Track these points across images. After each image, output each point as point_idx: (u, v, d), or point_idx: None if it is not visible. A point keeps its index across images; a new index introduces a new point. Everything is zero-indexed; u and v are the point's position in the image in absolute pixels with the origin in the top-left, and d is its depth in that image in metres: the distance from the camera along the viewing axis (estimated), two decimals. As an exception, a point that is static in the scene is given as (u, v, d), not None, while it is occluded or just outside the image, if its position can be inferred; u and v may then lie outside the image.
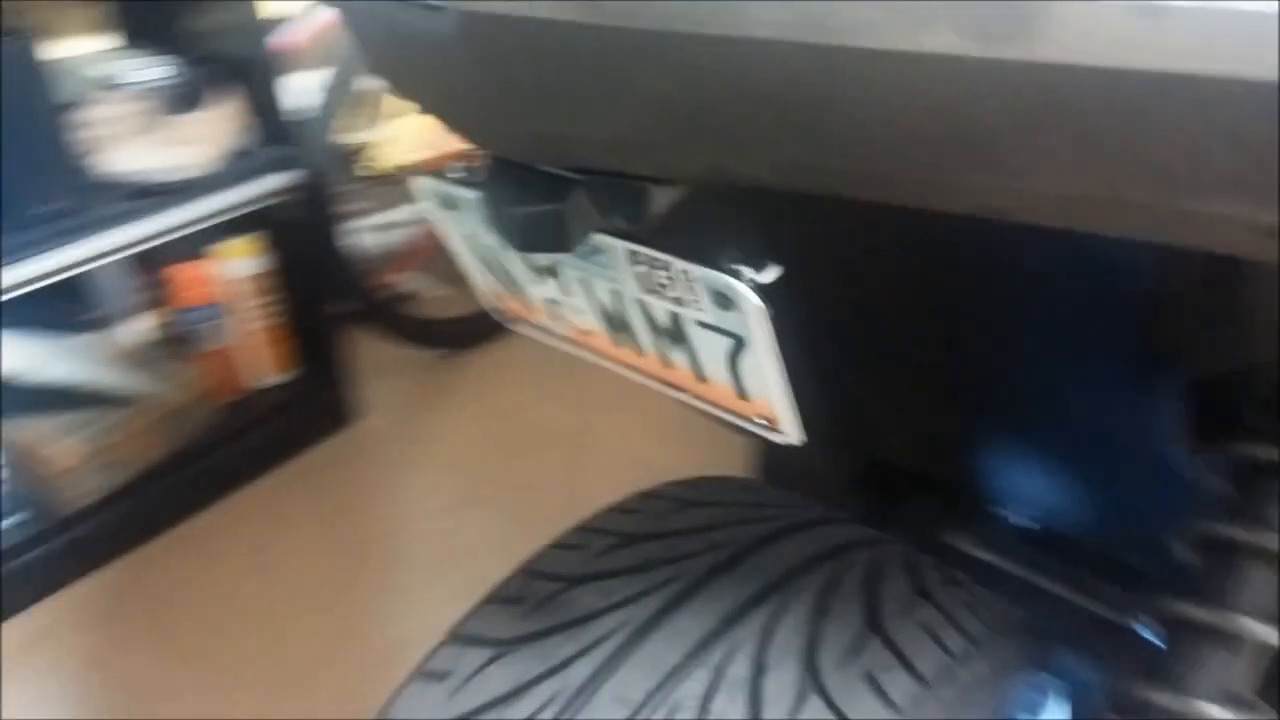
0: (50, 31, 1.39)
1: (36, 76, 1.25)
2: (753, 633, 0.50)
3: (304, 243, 1.58)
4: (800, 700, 0.47)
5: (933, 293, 0.58)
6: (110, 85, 1.43)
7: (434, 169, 0.44)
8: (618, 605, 0.53)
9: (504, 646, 0.52)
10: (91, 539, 1.37)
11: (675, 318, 0.34)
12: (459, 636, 0.54)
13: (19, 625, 1.29)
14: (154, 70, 1.45)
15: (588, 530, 0.60)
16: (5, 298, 1.23)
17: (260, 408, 1.59)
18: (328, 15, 1.73)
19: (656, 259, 0.33)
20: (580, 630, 0.52)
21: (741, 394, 0.36)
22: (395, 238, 2.07)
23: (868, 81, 0.25)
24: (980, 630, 0.52)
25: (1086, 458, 0.62)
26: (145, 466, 1.42)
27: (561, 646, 0.51)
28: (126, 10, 1.55)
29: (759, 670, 0.48)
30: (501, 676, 0.50)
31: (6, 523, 1.32)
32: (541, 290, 0.40)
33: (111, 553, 1.39)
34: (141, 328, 1.56)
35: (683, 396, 0.39)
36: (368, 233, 1.98)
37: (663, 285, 0.34)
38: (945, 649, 0.50)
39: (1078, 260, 0.49)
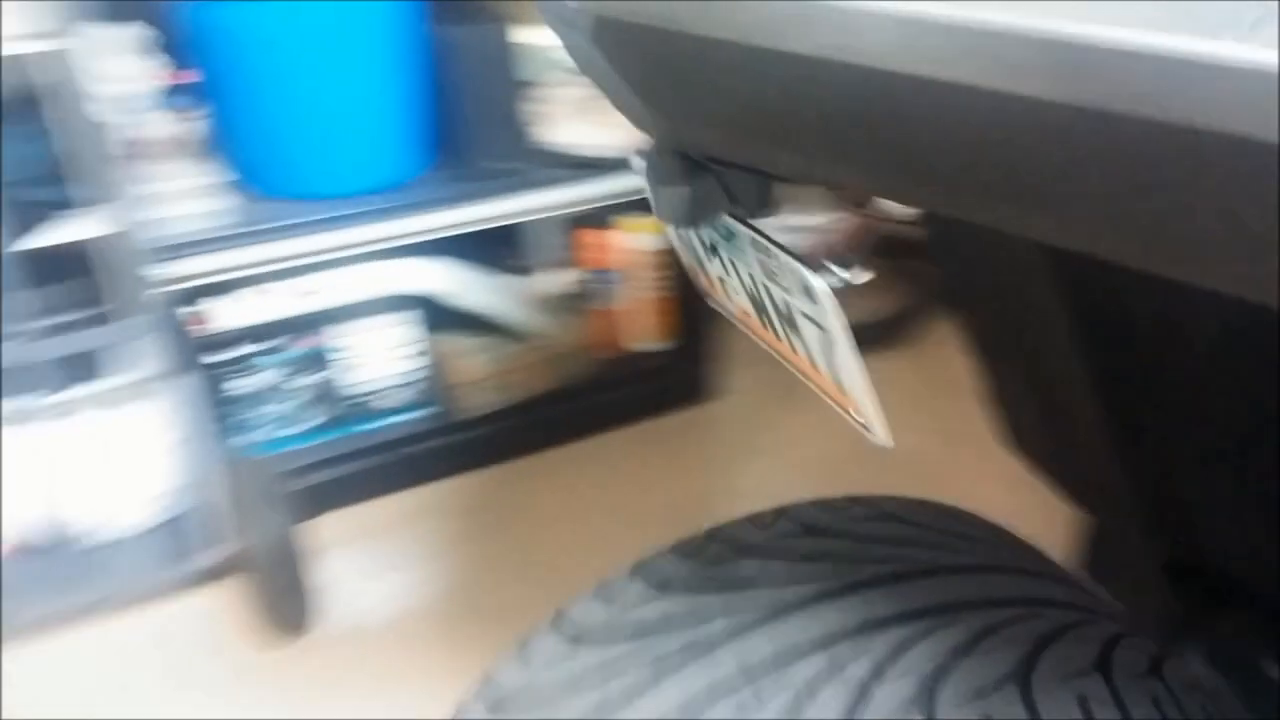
0: (520, 20, 1.64)
1: (505, 56, 1.50)
2: (888, 645, 0.51)
3: (699, 227, 1.71)
4: (903, 713, 0.47)
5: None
6: (560, 70, 1.67)
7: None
8: (772, 584, 0.56)
9: (667, 589, 0.57)
10: (475, 443, 1.63)
11: (788, 305, 0.37)
12: (636, 570, 0.60)
13: (403, 498, 1.58)
14: (605, 59, 1.66)
15: (783, 514, 0.63)
16: (455, 233, 1.50)
17: (633, 368, 1.76)
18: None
19: (767, 246, 0.36)
20: (733, 595, 0.56)
21: (839, 388, 0.37)
22: (802, 239, 2.15)
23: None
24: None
25: None
26: (528, 395, 1.65)
27: (711, 603, 0.55)
28: None
29: (876, 676, 0.49)
30: (655, 614, 0.56)
31: (419, 414, 1.61)
32: (713, 268, 0.44)
33: (487, 458, 1.64)
34: (554, 280, 1.80)
35: (811, 385, 0.41)
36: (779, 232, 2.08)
37: (774, 272, 0.37)
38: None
39: None
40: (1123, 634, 0.56)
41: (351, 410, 1.57)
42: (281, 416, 1.53)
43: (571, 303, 1.77)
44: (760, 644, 0.52)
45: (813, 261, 0.34)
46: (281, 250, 1.38)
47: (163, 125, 1.40)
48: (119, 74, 1.30)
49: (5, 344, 1.21)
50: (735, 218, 0.38)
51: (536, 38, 1.73)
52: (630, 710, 0.50)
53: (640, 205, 1.71)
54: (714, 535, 0.62)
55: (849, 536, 0.60)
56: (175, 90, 1.40)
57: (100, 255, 1.29)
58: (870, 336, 1.92)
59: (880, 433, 0.38)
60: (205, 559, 1.35)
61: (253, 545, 1.27)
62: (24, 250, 1.33)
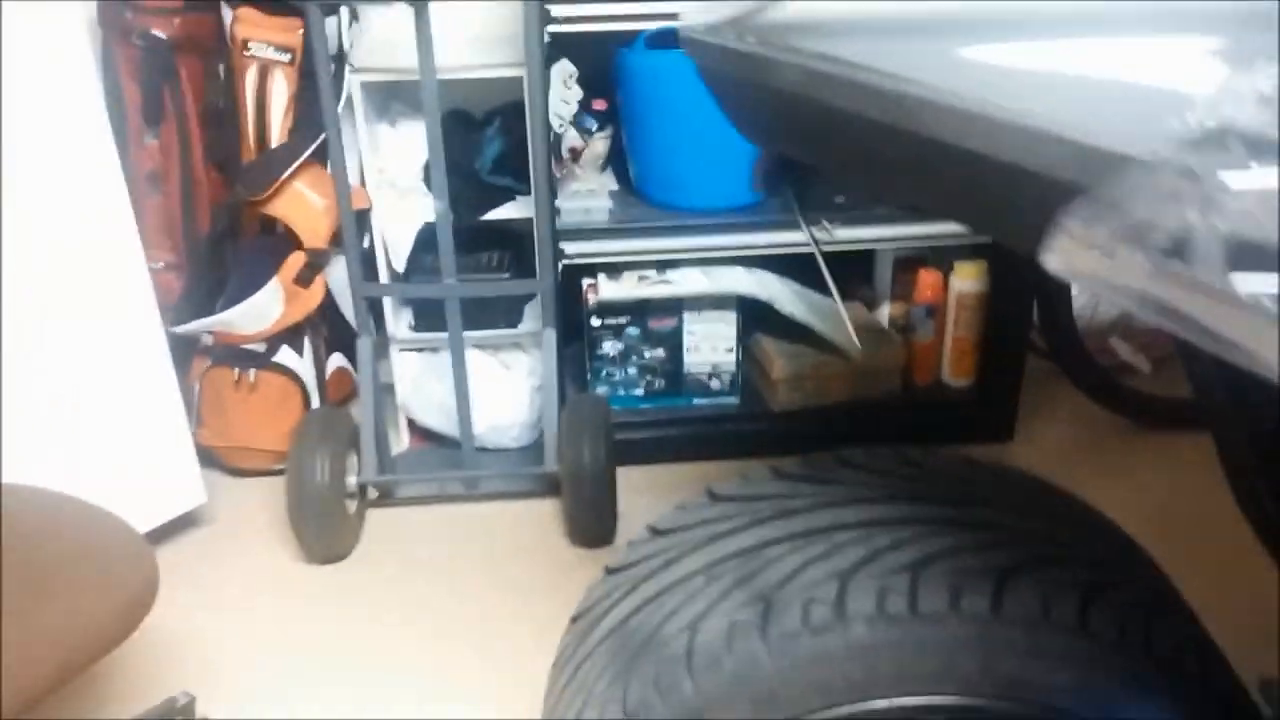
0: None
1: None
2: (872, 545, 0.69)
3: (1022, 279, 1.82)
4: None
5: None
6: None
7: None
8: (786, 495, 0.75)
9: (720, 501, 0.79)
10: (774, 433, 1.87)
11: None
12: (709, 492, 0.81)
13: (705, 467, 1.86)
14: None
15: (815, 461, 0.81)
16: (799, 252, 1.76)
17: (936, 397, 1.90)
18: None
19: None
20: (757, 501, 0.76)
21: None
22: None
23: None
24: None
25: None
26: (824, 403, 1.86)
27: (741, 508, 0.76)
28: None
29: (868, 560, 0.67)
30: (711, 512, 0.78)
31: (732, 399, 1.89)
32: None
33: (782, 448, 1.85)
34: (885, 309, 1.99)
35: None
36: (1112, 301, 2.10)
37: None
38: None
39: None
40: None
41: (679, 385, 1.88)
42: (628, 379, 1.88)
43: (891, 330, 1.95)
44: (767, 531, 0.72)
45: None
46: (654, 245, 1.73)
47: (579, 140, 1.81)
48: (557, 97, 1.72)
49: (451, 283, 1.66)
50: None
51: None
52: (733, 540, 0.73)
53: (972, 248, 1.86)
54: (771, 468, 0.81)
55: (877, 472, 0.77)
56: (589, 113, 1.80)
57: (531, 230, 1.72)
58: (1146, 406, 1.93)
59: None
60: (545, 474, 1.73)
61: (580, 467, 1.61)
62: (485, 220, 1.80)
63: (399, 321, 1.90)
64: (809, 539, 0.70)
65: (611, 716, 0.69)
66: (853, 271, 2.02)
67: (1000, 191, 0.41)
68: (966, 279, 1.86)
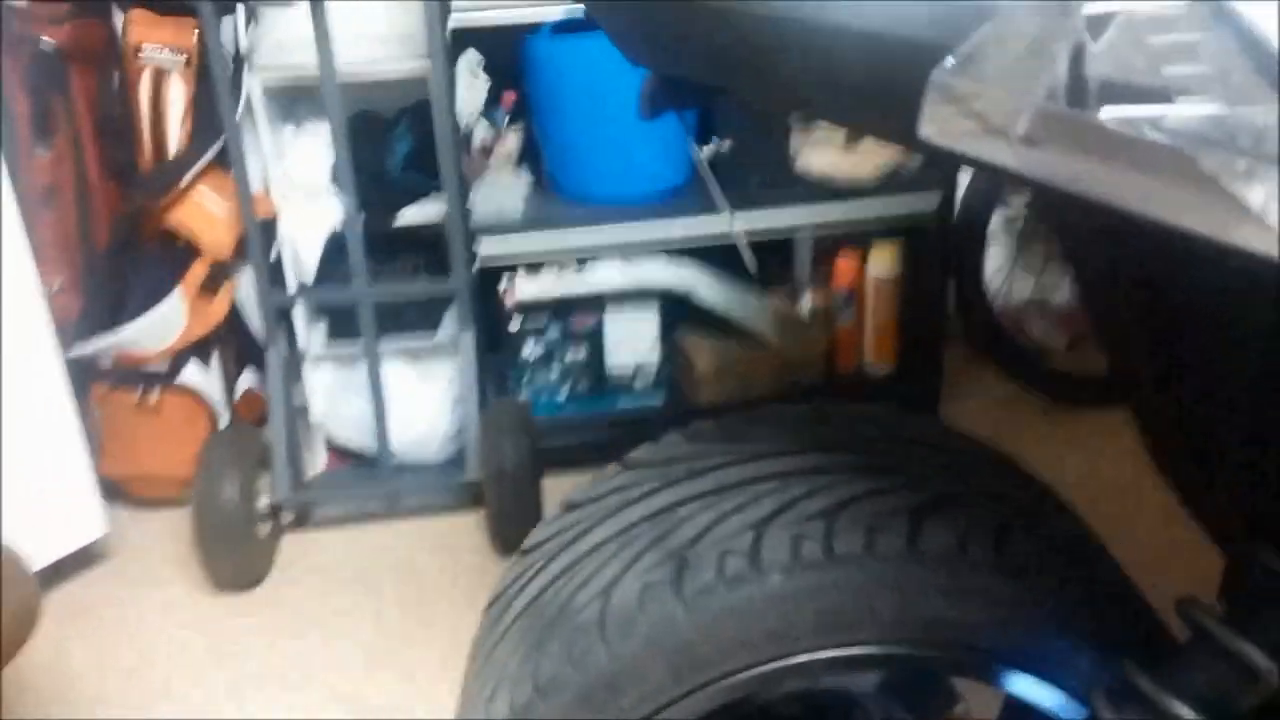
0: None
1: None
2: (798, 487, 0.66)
3: (938, 261, 1.83)
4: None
5: None
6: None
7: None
8: (698, 455, 0.73)
9: (632, 468, 0.76)
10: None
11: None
12: (621, 461, 0.79)
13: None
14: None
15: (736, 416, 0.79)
16: (718, 242, 1.75)
17: (856, 384, 1.90)
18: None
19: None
20: (669, 464, 0.74)
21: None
22: (1061, 296, 2.17)
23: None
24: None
25: None
26: (749, 395, 1.85)
27: (653, 473, 0.73)
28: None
29: (782, 510, 0.65)
30: (623, 479, 0.75)
31: (656, 400, 1.87)
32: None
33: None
34: (798, 296, 1.99)
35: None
36: (1030, 282, 2.13)
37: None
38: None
39: None
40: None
41: (602, 386, 1.86)
42: (550, 383, 1.85)
43: (813, 318, 1.95)
44: (683, 490, 0.70)
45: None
46: (572, 239, 1.71)
47: (490, 134, 1.78)
48: (465, 88, 1.69)
49: (363, 287, 1.61)
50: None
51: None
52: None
53: (887, 232, 1.87)
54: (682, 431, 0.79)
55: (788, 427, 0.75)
56: (498, 106, 1.77)
57: (443, 230, 1.67)
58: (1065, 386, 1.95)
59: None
60: (467, 484, 1.68)
61: (501, 472, 1.57)
62: (399, 227, 1.76)
63: (312, 335, 1.84)
64: (722, 495, 0.67)
65: (522, 694, 0.65)
66: (772, 261, 2.02)
67: (870, 70, 0.39)
68: (883, 262, 1.87)
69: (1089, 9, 0.32)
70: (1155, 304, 0.59)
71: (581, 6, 1.62)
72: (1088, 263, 0.63)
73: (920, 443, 0.73)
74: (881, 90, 0.39)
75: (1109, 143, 0.31)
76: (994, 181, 1.86)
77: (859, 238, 1.89)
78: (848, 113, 0.47)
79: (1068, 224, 0.61)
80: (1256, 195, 0.30)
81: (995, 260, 2.03)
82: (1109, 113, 0.30)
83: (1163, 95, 0.31)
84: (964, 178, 1.85)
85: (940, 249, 1.82)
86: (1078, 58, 0.32)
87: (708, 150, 1.76)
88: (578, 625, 0.64)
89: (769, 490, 0.66)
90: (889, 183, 1.78)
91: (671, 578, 0.63)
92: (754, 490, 0.67)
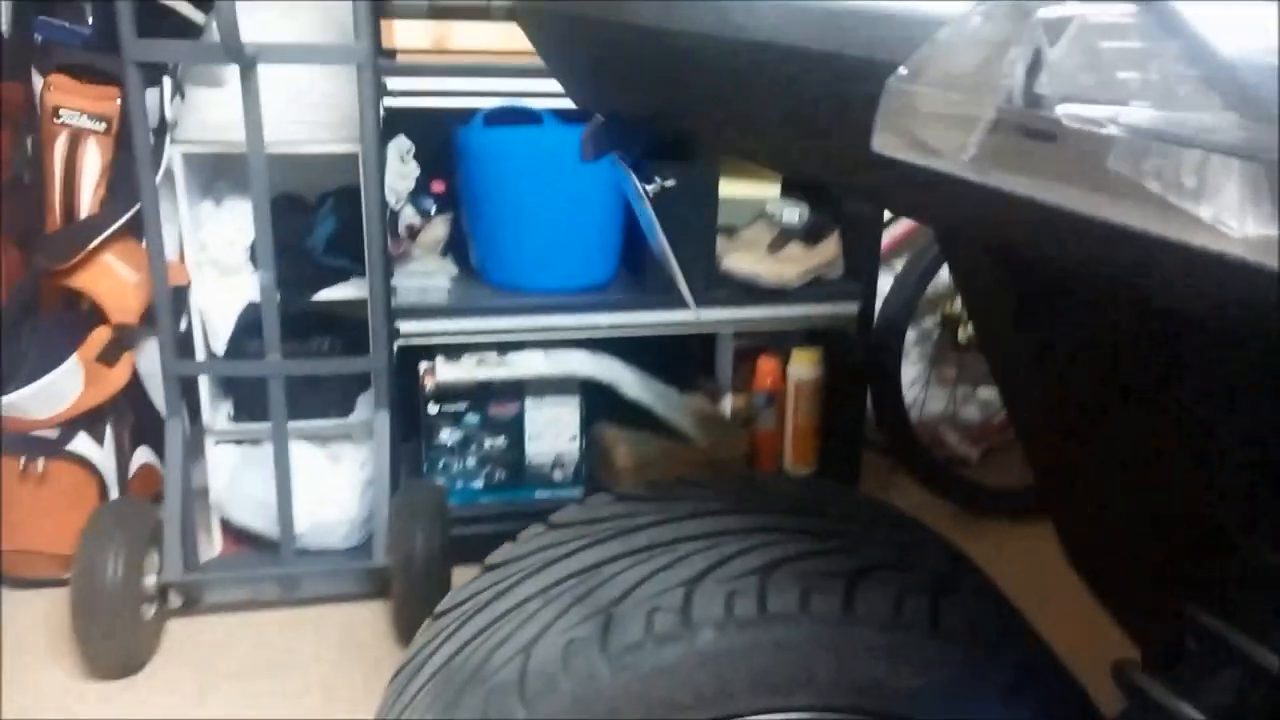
0: (733, 173, 1.91)
1: (710, 201, 1.77)
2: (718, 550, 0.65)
3: (858, 368, 1.86)
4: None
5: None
6: (759, 217, 1.92)
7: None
8: (627, 515, 0.71)
9: (557, 528, 0.73)
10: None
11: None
12: (545, 521, 0.76)
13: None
14: (791, 212, 1.89)
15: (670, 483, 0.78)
16: (644, 334, 1.75)
17: (778, 486, 1.90)
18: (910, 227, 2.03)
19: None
20: (596, 523, 0.71)
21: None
22: (974, 411, 2.23)
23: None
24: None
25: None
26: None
27: (579, 531, 0.71)
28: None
29: (715, 567, 0.63)
30: (547, 539, 0.72)
31: (575, 489, 1.83)
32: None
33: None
34: (728, 400, 2.00)
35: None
36: (951, 395, 2.18)
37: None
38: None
39: None
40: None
41: (520, 476, 1.81)
42: (466, 470, 1.80)
43: (734, 418, 1.95)
44: (610, 548, 0.67)
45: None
46: (495, 324, 1.69)
47: (417, 218, 1.77)
48: (394, 173, 1.68)
49: (276, 360, 1.55)
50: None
51: (740, 190, 2.01)
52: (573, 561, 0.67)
53: (809, 336, 1.90)
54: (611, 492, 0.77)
55: (718, 490, 0.73)
56: (428, 195, 1.77)
57: (365, 310, 1.64)
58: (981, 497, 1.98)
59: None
60: (373, 570, 1.60)
61: (412, 558, 1.50)
62: (317, 304, 1.72)
63: (217, 412, 1.77)
64: (652, 553, 0.65)
65: (431, 761, 0.60)
66: (694, 363, 2.04)
67: (823, 92, 0.39)
68: (804, 366, 1.90)
69: (1044, 13, 0.32)
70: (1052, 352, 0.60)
71: (515, 100, 1.65)
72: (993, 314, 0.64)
73: (852, 512, 0.72)
74: (834, 109, 0.39)
75: (1068, 141, 0.31)
76: (910, 295, 1.93)
77: (781, 341, 1.92)
78: (794, 140, 0.47)
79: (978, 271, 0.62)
80: (1205, 211, 0.30)
81: (911, 373, 2.08)
82: (1065, 110, 0.31)
83: (1117, 101, 0.31)
84: (884, 286, 1.91)
85: (860, 355, 1.86)
86: (1035, 62, 0.33)
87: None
88: (495, 685, 0.60)
89: (700, 549, 0.64)
90: (811, 288, 1.82)
91: (597, 635, 0.59)
92: (685, 548, 0.64)
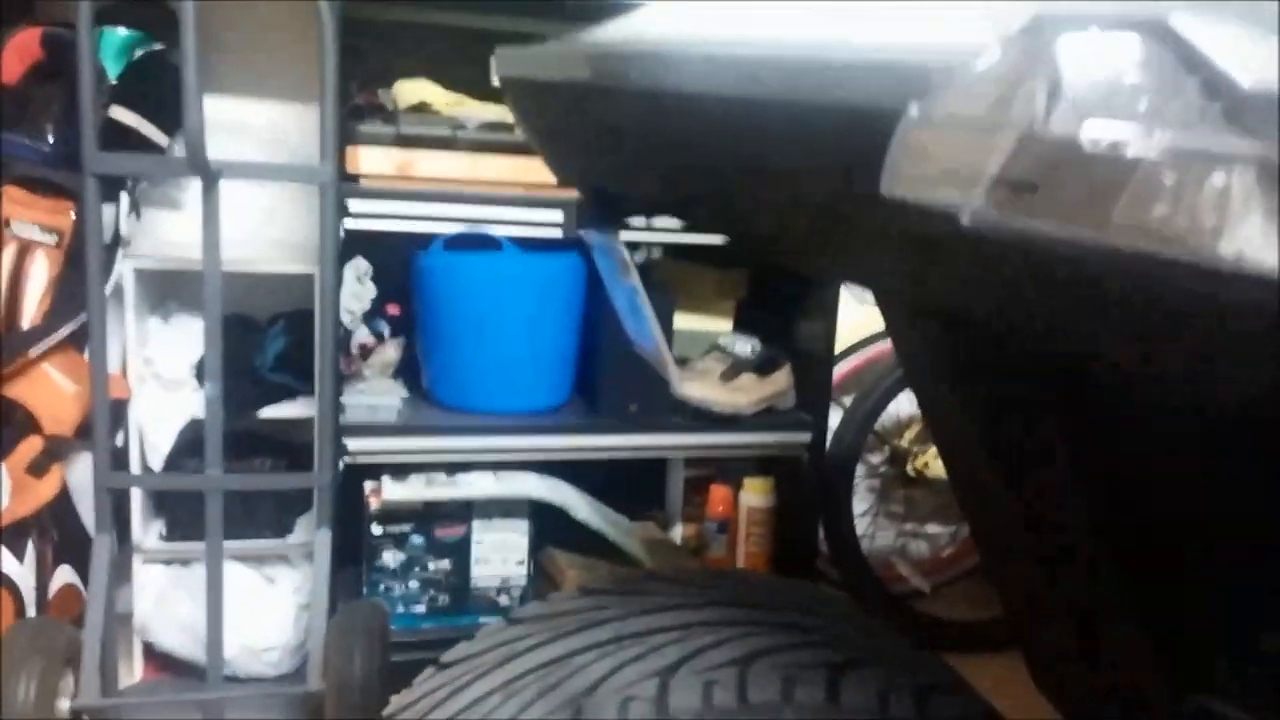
0: (687, 307, 1.94)
1: (664, 330, 1.79)
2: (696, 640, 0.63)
3: (808, 498, 1.86)
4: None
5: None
6: (713, 348, 1.94)
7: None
8: (593, 608, 0.69)
9: (518, 623, 0.71)
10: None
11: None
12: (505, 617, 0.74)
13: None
14: (744, 345, 1.92)
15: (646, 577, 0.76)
16: (596, 457, 1.73)
17: (729, 617, 1.85)
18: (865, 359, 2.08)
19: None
20: (560, 617, 0.69)
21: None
22: (924, 545, 2.23)
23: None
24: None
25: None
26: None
27: (542, 625, 0.69)
28: (748, 310, 2.07)
29: (690, 657, 0.61)
30: (507, 634, 0.70)
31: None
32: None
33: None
34: (678, 529, 1.97)
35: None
36: (900, 529, 2.18)
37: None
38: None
39: None
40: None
41: (464, 601, 1.75)
42: (409, 594, 1.73)
43: (686, 545, 1.92)
44: (592, 635, 0.65)
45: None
46: (445, 444, 1.66)
47: (370, 338, 1.76)
48: (350, 293, 1.68)
49: (216, 474, 1.50)
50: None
51: (694, 324, 2.04)
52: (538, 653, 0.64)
53: (761, 466, 1.89)
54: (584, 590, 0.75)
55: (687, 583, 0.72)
56: (383, 317, 1.77)
57: (312, 427, 1.60)
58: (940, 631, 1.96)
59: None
60: (306, 696, 1.51)
61: (349, 681, 1.42)
62: (264, 423, 1.68)
63: (148, 530, 1.69)
64: (621, 644, 0.62)
65: None
66: (644, 491, 2.01)
67: (830, 135, 0.40)
68: (755, 494, 1.89)
69: (1061, 42, 0.33)
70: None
71: (472, 226, 1.67)
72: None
73: (829, 610, 0.70)
74: (842, 154, 0.39)
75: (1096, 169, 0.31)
76: (860, 425, 1.95)
77: (732, 471, 1.92)
78: (795, 196, 0.47)
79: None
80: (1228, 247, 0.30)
81: (859, 506, 2.08)
82: (1090, 132, 0.31)
83: (1138, 131, 0.32)
84: (835, 419, 1.93)
85: (812, 484, 1.86)
86: (1054, 91, 0.33)
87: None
88: (454, 785, 0.56)
89: (672, 640, 0.62)
90: (764, 417, 1.83)
91: (566, 728, 0.56)
92: (657, 640, 0.62)
